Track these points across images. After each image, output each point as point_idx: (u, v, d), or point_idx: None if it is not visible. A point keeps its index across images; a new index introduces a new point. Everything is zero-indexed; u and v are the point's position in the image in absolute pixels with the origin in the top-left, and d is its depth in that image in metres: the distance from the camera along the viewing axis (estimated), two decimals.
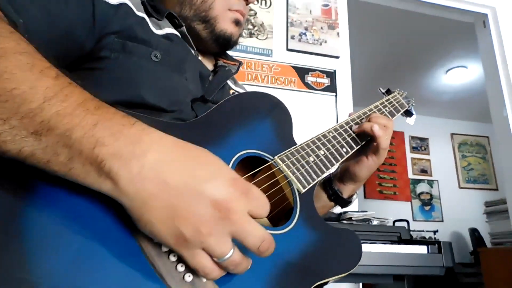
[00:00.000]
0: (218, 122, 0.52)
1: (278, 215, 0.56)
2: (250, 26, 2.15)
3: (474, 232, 3.75)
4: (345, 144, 0.65)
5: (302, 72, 2.02)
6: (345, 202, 0.71)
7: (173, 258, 0.36)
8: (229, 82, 0.76)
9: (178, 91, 0.58)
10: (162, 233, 0.33)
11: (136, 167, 0.32)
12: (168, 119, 0.53)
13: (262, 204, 0.36)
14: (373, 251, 1.13)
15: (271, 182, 0.53)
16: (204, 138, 0.49)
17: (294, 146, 0.58)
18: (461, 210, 4.24)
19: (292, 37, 2.12)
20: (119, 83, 0.52)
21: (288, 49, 2.07)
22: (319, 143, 0.61)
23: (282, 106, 0.62)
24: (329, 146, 0.62)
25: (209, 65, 0.73)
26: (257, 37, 2.11)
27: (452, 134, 4.71)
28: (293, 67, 2.02)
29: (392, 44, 3.36)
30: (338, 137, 0.65)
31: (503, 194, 3.78)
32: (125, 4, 0.56)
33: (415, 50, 3.45)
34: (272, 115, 0.59)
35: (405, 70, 3.76)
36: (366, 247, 1.15)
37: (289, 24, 2.15)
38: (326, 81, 2.03)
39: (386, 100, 0.82)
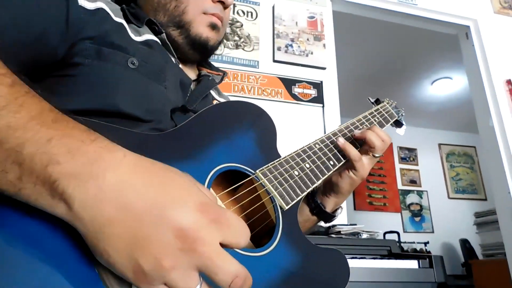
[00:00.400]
0: (196, 133, 0.48)
1: (261, 233, 0.51)
2: (236, 38, 2.14)
3: (464, 243, 3.73)
4: (332, 157, 0.61)
5: (289, 83, 2.00)
6: (329, 217, 0.67)
7: None
8: (212, 92, 0.73)
9: (156, 100, 0.55)
10: (119, 265, 0.29)
11: (93, 189, 0.29)
12: (145, 130, 0.50)
13: (238, 232, 0.31)
14: (363, 267, 1.09)
15: (252, 197, 0.48)
16: (180, 151, 0.45)
17: (278, 159, 0.54)
18: (451, 221, 4.23)
19: (279, 49, 2.12)
20: (93, 90, 0.49)
21: (274, 61, 2.06)
22: (304, 156, 0.58)
23: (266, 116, 0.58)
24: (315, 158, 0.58)
25: (191, 74, 0.70)
26: (243, 49, 2.10)
27: (439, 145, 4.76)
28: (280, 78, 2.01)
29: (378, 56, 3.41)
30: (325, 149, 0.62)
31: (492, 204, 3.80)
32: (102, 9, 0.54)
33: (401, 61, 3.50)
34: (255, 126, 0.56)
35: (392, 81, 3.81)
36: (355, 263, 1.11)
37: (275, 36, 2.14)
38: (313, 92, 2.01)
39: (375, 110, 0.80)
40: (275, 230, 0.47)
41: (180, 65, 0.66)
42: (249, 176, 0.50)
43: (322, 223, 0.76)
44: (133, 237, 0.28)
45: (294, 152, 0.57)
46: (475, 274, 2.80)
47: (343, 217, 1.68)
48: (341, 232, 1.28)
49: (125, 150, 0.32)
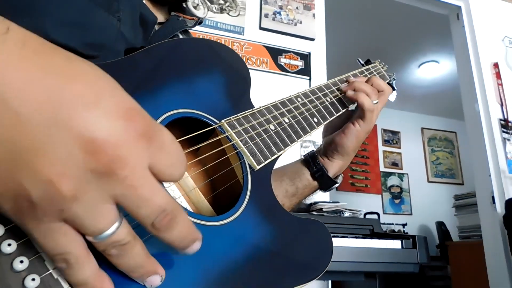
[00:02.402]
0: (144, 69, 0.38)
1: (225, 197, 0.41)
2: (221, 1, 1.97)
3: (440, 226, 3.82)
4: (316, 113, 0.51)
5: (275, 52, 1.88)
6: (330, 183, 0.58)
7: None
8: (182, 36, 0.61)
9: (101, 32, 0.43)
10: None
11: None
12: None
13: (173, 158, 0.22)
14: (345, 246, 1.02)
15: (214, 152, 0.38)
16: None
17: (250, 110, 0.43)
18: (429, 204, 4.31)
19: (266, 16, 1.97)
20: (14, 11, 0.37)
21: (261, 28, 1.92)
22: (283, 109, 0.47)
23: (238, 59, 0.47)
24: (296, 113, 0.48)
25: (159, 16, 0.58)
26: (228, 13, 1.94)
27: (422, 129, 4.78)
28: (266, 47, 1.88)
29: (367, 33, 3.30)
30: (308, 104, 0.52)
31: (468, 188, 3.88)
32: None
33: (391, 40, 3.41)
34: (223, 69, 0.45)
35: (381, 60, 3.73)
36: (336, 242, 1.04)
37: (263, 2, 1.99)
38: (300, 63, 1.90)
39: (366, 70, 0.71)
40: (241, 194, 0.36)
41: (145, 1, 0.54)
42: (212, 126, 0.39)
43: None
44: (13, 146, 0.19)
45: (271, 104, 0.46)
46: (451, 255, 2.86)
47: (326, 196, 1.62)
48: (323, 210, 1.20)
49: (10, 22, 0.21)
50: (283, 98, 0.49)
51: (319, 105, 0.53)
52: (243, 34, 1.87)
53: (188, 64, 0.41)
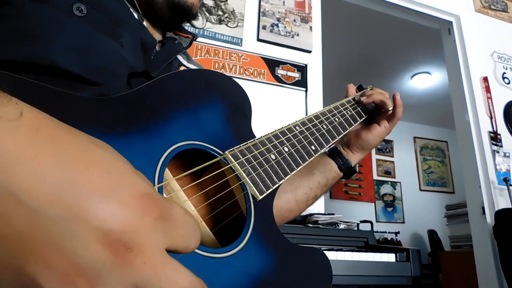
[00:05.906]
0: (151, 102, 0.39)
1: (229, 227, 0.43)
2: (220, 12, 2.00)
3: (432, 234, 3.86)
4: (313, 141, 0.54)
5: (272, 64, 1.91)
6: (352, 173, 0.68)
7: None
8: (180, 58, 0.64)
9: (106, 58, 0.45)
10: (2, 285, 0.19)
11: None
12: (91, 94, 0.40)
13: (188, 231, 0.23)
14: (340, 259, 1.05)
15: (218, 183, 0.40)
16: (128, 122, 0.36)
17: (252, 140, 0.45)
18: (421, 212, 4.37)
19: (264, 27, 2.00)
20: (22, 37, 0.39)
21: (258, 39, 1.95)
22: (283, 138, 0.49)
23: (239, 89, 0.49)
24: (294, 142, 0.51)
25: (156, 35, 0.60)
26: (226, 25, 1.97)
27: (414, 138, 4.85)
28: (263, 58, 1.91)
29: (362, 45, 3.37)
30: (306, 132, 0.54)
31: (459, 197, 3.94)
32: None
33: (385, 52, 3.48)
34: (226, 99, 0.47)
35: (374, 72, 3.80)
36: (332, 255, 1.06)
37: (261, 14, 2.03)
38: (296, 75, 1.93)
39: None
40: (245, 225, 0.39)
41: (145, 23, 0.56)
42: (216, 157, 0.41)
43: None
44: (28, 243, 0.18)
45: (271, 133, 0.48)
46: (443, 263, 2.90)
47: (321, 206, 1.65)
48: (319, 222, 1.23)
49: (23, 105, 0.21)
50: (282, 127, 0.51)
51: (316, 132, 0.55)
52: (241, 45, 1.90)
53: (192, 96, 0.43)
